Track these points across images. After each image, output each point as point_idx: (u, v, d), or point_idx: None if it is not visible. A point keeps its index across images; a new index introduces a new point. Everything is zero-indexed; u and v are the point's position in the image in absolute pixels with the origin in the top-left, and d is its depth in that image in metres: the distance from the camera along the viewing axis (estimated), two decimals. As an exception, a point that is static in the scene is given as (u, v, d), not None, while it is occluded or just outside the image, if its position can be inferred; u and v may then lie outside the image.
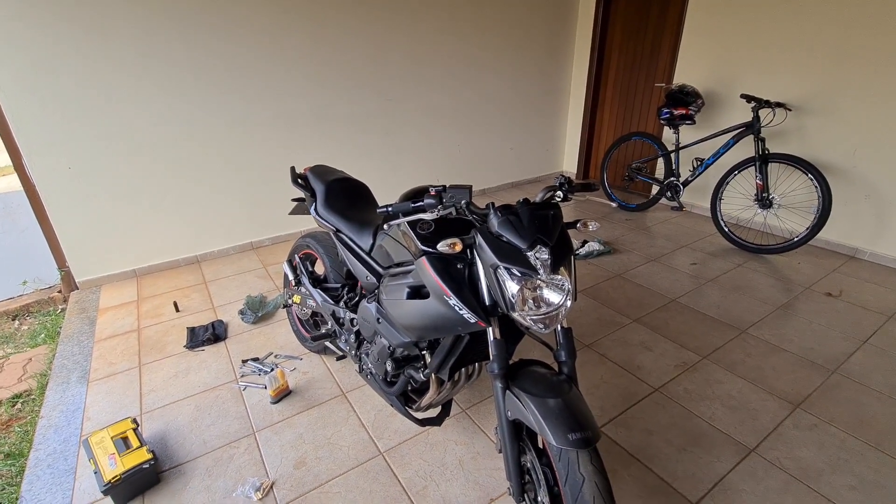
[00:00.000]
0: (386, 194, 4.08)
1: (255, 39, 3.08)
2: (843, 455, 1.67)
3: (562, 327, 1.29)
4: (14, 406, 2.09)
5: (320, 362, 2.24)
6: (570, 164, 5.32)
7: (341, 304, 1.84)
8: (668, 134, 4.13)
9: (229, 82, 3.08)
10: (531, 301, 1.16)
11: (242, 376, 2.17)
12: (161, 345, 2.42)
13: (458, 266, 1.28)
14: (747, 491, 1.55)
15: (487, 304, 1.24)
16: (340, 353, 1.92)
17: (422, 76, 3.91)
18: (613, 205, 1.53)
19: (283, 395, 2.01)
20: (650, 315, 2.58)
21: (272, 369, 2.17)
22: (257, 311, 2.62)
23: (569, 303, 1.18)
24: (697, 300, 2.72)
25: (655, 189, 4.14)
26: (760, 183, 3.23)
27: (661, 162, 4.03)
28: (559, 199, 1.35)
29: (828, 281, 2.93)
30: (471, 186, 1.25)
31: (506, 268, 1.14)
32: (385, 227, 1.60)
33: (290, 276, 2.10)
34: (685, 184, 3.73)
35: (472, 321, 1.23)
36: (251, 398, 2.03)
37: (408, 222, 1.42)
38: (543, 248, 1.14)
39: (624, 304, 2.70)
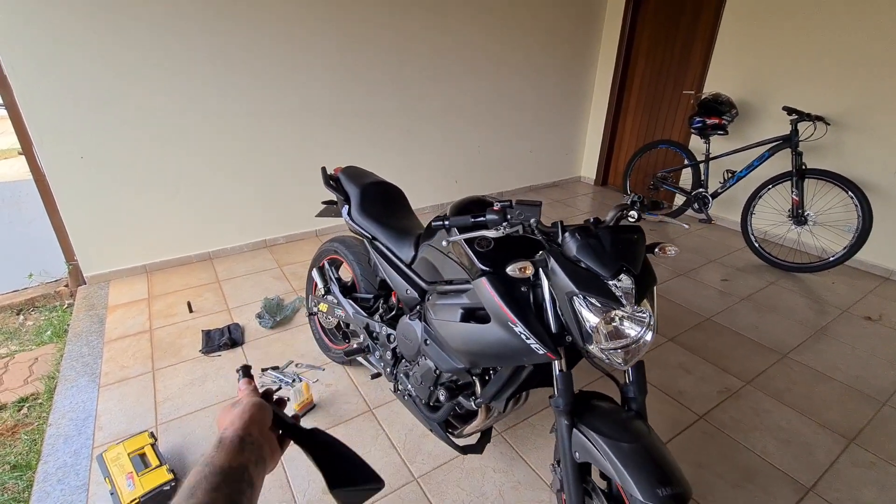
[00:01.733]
0: (410, 194, 3.96)
1: (276, 27, 2.95)
2: (908, 499, 1.57)
3: (635, 359, 1.18)
4: (20, 411, 1.98)
5: (344, 374, 2.13)
6: (588, 170, 5.21)
7: (376, 317, 1.72)
8: (695, 143, 4.02)
9: (249, 71, 2.96)
10: (608, 334, 1.05)
11: (262, 387, 2.05)
12: (175, 348, 2.30)
13: (523, 289, 1.17)
14: (811, 536, 1.45)
15: (554, 332, 1.13)
16: (375, 371, 1.80)
17: (445, 73, 3.79)
18: (686, 226, 1.41)
19: (307, 409, 1.90)
20: (686, 334, 2.48)
21: (294, 380, 2.06)
22: (275, 315, 2.50)
23: (650, 336, 1.07)
24: (733, 319, 2.62)
25: (680, 200, 4.03)
26: (797, 199, 3.12)
27: (686, 172, 3.92)
28: (633, 220, 1.23)
29: (865, 303, 2.83)
30: (540, 203, 1.14)
31: (584, 297, 1.03)
32: (430, 238, 1.48)
33: (320, 283, 1.98)
34: (714, 195, 3.62)
35: (541, 352, 1.11)
36: (273, 411, 1.91)
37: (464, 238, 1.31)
38: (628, 277, 1.03)
39: (659, 321, 2.59)
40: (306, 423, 1.77)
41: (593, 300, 1.03)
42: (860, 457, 1.74)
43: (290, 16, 2.97)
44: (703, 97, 3.54)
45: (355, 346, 1.83)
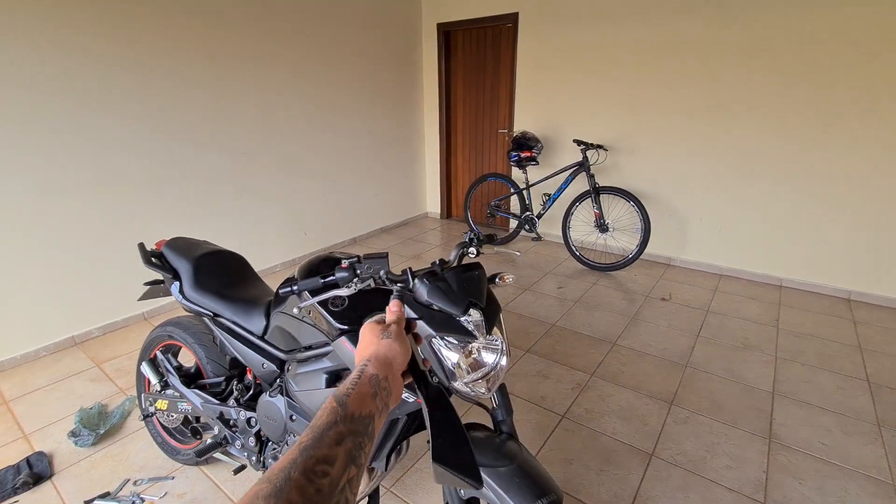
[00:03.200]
0: (247, 255, 3.67)
1: (63, 89, 2.53)
2: (714, 439, 1.98)
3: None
4: None
5: (200, 476, 1.83)
6: (433, 205, 5.55)
7: (231, 401, 1.54)
8: (517, 173, 4.62)
9: (28, 139, 2.46)
10: (469, 367, 1.12)
11: (88, 524, 1.64)
12: (-60, 511, 1.70)
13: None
14: (659, 496, 1.71)
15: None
16: (239, 465, 1.59)
17: (275, 127, 3.69)
18: (518, 253, 1.61)
19: (156, 534, 1.57)
20: (539, 343, 2.76)
21: (133, 503, 1.70)
22: (97, 428, 2.04)
23: (505, 360, 1.17)
24: (571, 321, 3.02)
25: (514, 223, 4.55)
26: (597, 212, 3.80)
27: (515, 199, 4.47)
28: (472, 256, 1.36)
29: (658, 288, 3.54)
30: (387, 254, 1.18)
31: (442, 337, 1.09)
32: (281, 305, 1.40)
33: (154, 379, 1.69)
34: (539, 216, 4.18)
35: (411, 400, 1.13)
36: (108, 551, 1.54)
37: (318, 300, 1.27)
38: (476, 311, 1.12)
39: (513, 336, 2.85)
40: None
41: (451, 338, 1.09)
42: (679, 415, 2.14)
43: (82, 75, 2.58)
44: (515, 135, 4.11)
45: (209, 441, 1.60)
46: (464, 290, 1.14)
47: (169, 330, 1.77)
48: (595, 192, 3.76)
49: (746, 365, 2.52)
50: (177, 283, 1.62)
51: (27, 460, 1.90)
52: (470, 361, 1.13)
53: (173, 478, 1.83)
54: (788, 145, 3.29)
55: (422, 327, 1.10)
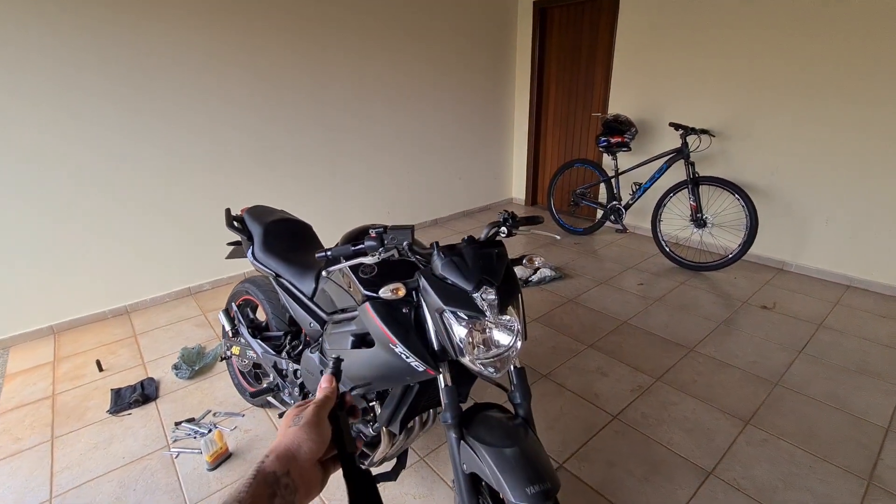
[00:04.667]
0: (336, 230, 3.97)
1: (185, 71, 2.95)
2: (794, 469, 1.71)
3: (515, 368, 1.25)
4: None
5: (265, 418, 2.07)
6: (518, 191, 5.44)
7: (283, 354, 1.71)
8: (607, 160, 4.32)
9: (157, 117, 2.92)
10: (480, 345, 1.11)
11: (175, 441, 1.95)
12: (80, 412, 2.15)
13: (404, 311, 1.22)
14: (710, 517, 1.54)
15: (437, 349, 1.17)
16: (284, 409, 1.77)
17: (366, 109, 3.90)
18: (558, 237, 1.55)
19: (222, 459, 1.82)
20: (604, 339, 2.60)
21: (210, 430, 1.98)
22: (194, 365, 2.40)
23: (519, 344, 1.14)
24: (647, 321, 2.79)
25: (600, 213, 4.29)
26: (694, 204, 3.41)
27: (603, 187, 4.20)
28: (503, 235, 1.32)
29: (762, 294, 3.09)
30: (412, 227, 1.20)
31: (452, 311, 1.09)
32: (326, 270, 1.51)
33: (227, 326, 1.94)
34: (627, 207, 3.89)
35: (421, 369, 1.16)
36: (185, 466, 1.82)
37: (349, 266, 1.35)
38: (490, 289, 1.10)
39: (578, 329, 2.72)
40: (222, 474, 1.70)
41: (460, 313, 1.09)
42: (755, 436, 1.88)
43: (202, 58, 2.98)
44: (606, 118, 3.84)
45: (265, 385, 1.79)
46: (478, 266, 1.12)
47: (246, 286, 2.01)
48: (694, 182, 3.38)
49: (858, 393, 2.11)
50: (251, 245, 1.82)
51: (141, 383, 2.30)
52: (482, 339, 1.12)
53: (243, 415, 2.09)
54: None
55: (433, 300, 1.11)
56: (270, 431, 1.98)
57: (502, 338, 1.13)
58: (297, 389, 1.64)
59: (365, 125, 3.93)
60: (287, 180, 3.60)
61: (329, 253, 1.25)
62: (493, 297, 1.09)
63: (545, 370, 2.35)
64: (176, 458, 1.87)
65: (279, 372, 1.73)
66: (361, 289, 1.29)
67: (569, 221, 4.45)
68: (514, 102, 5.11)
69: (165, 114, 2.94)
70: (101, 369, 2.47)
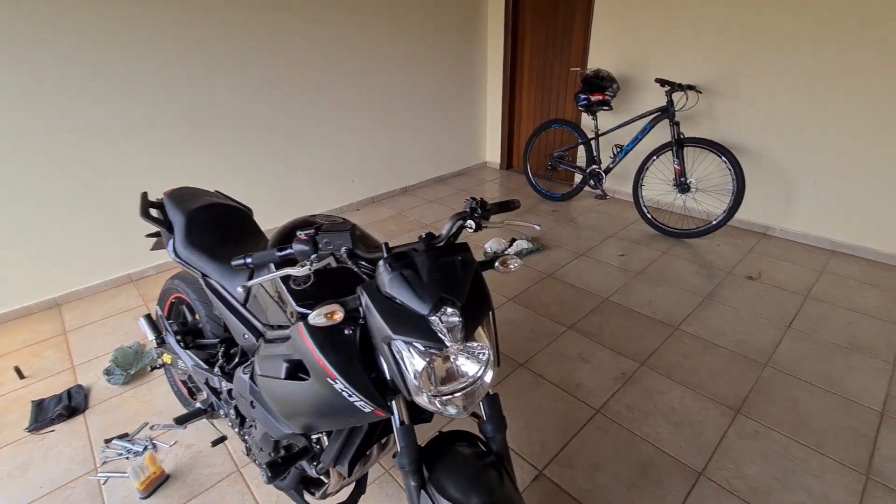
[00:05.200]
0: (294, 207, 3.63)
1: (107, 27, 2.48)
2: (789, 465, 1.59)
3: (487, 394, 1.03)
4: None
5: (210, 429, 1.83)
6: (493, 155, 5.13)
7: (216, 369, 1.45)
8: (587, 120, 4.04)
9: (78, 79, 2.47)
10: (439, 378, 0.88)
11: (104, 463, 1.71)
12: (-7, 431, 1.87)
13: (347, 332, 0.96)
14: (702, 527, 1.41)
15: (390, 378, 0.94)
16: (218, 436, 1.52)
17: (325, 68, 3.47)
18: (538, 227, 1.29)
19: (157, 484, 1.59)
20: (584, 320, 2.43)
21: (146, 448, 1.73)
22: (130, 368, 2.13)
23: (489, 376, 0.91)
24: (629, 297, 2.62)
25: (579, 178, 4.05)
26: (678, 168, 3.20)
27: (582, 149, 3.94)
28: (471, 230, 1.07)
29: (746, 263, 2.96)
30: (352, 227, 0.93)
31: (404, 341, 0.85)
32: (243, 286, 1.23)
33: (150, 335, 1.65)
34: (607, 171, 3.65)
35: (367, 410, 0.92)
36: (115, 494, 1.59)
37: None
38: (452, 310, 0.85)
39: (557, 308, 2.53)
40: (157, 502, 1.46)
41: (414, 344, 0.84)
42: (746, 427, 1.75)
43: (125, 13, 2.50)
44: (586, 74, 3.53)
45: (197, 405, 1.54)
46: (436, 280, 0.87)
47: (176, 283, 1.71)
48: (678, 143, 3.15)
49: (850, 372, 2.01)
50: (172, 238, 1.52)
51: (68, 392, 2.02)
52: (441, 372, 0.88)
53: (185, 427, 1.85)
54: (962, 86, 2.44)
55: (378, 325, 0.86)
56: (218, 447, 1.75)
57: (469, 368, 0.90)
58: (233, 412, 1.39)
59: (324, 87, 3.51)
60: (235, 149, 3.20)
61: (249, 260, 0.98)
62: (457, 319, 0.85)
63: (523, 358, 2.17)
64: (104, 483, 1.63)
65: (213, 390, 1.48)
66: (293, 304, 1.03)
67: (546, 187, 4.20)
68: (486, 59, 4.70)
69: (84, 77, 2.48)
70: (21, 376, 2.16)
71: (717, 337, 2.26)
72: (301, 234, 0.93)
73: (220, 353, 1.47)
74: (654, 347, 2.20)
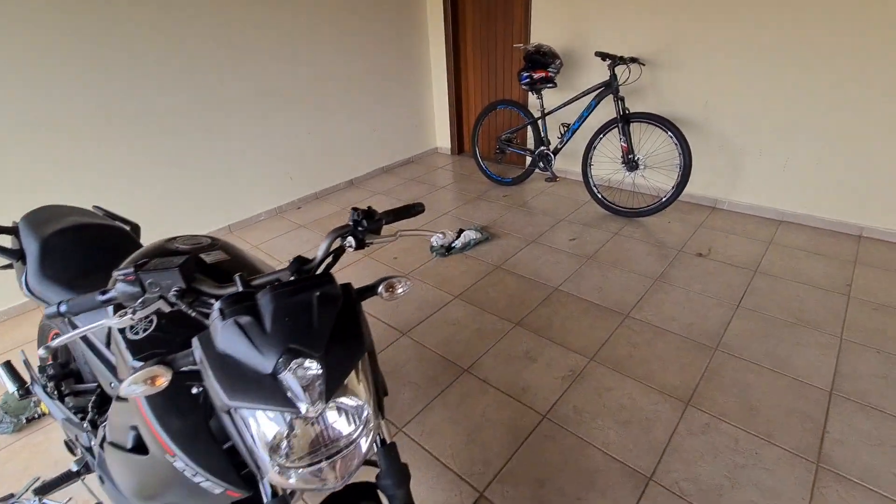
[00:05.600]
0: (229, 209, 3.34)
1: (-48, 20, 2.12)
2: (738, 459, 1.51)
3: (382, 443, 0.87)
4: None
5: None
6: (443, 140, 4.92)
7: (87, 423, 1.23)
8: (534, 99, 3.88)
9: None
10: (303, 448, 0.70)
11: (-19, 534, 1.47)
12: None
13: (195, 391, 0.77)
14: (651, 541, 1.31)
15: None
16: (97, 502, 1.32)
17: (241, 58, 3.15)
18: (441, 235, 1.11)
19: (40, 556, 1.37)
20: (533, 314, 2.30)
21: (31, 511, 1.50)
22: (21, 414, 1.86)
23: (364, 444, 0.74)
24: (579, 285, 2.51)
25: (529, 160, 3.90)
26: (625, 145, 3.09)
27: (530, 130, 3.78)
28: (351, 249, 0.88)
29: (696, 239, 2.90)
30: (180, 264, 0.73)
31: (248, 409, 0.67)
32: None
33: (10, 386, 1.39)
34: (556, 152, 3.52)
35: (218, 492, 0.74)
36: (-11, 572, 1.36)
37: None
38: (308, 361, 0.67)
39: (505, 303, 2.40)
40: None
41: (261, 411, 0.66)
42: (696, 421, 1.67)
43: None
44: (527, 50, 3.35)
45: (72, 466, 1.32)
46: (283, 328, 0.68)
47: (54, 322, 1.46)
48: (624, 119, 3.03)
49: (798, 350, 1.96)
50: (25, 271, 1.27)
51: (-54, 449, 1.75)
52: (306, 438, 0.71)
53: (84, 478, 1.62)
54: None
55: (214, 389, 0.68)
56: (119, 497, 1.54)
57: (342, 426, 0.73)
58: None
59: (245, 76, 3.20)
60: (146, 154, 2.88)
61: (64, 308, 0.77)
62: (314, 373, 0.67)
63: (467, 362, 2.02)
64: (-21, 560, 1.39)
65: (86, 447, 1.26)
66: (129, 358, 0.83)
67: (497, 171, 4.04)
68: (426, 38, 4.45)
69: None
70: None
71: (668, 322, 2.18)
72: (118, 275, 0.73)
73: (90, 404, 1.25)
74: (604, 339, 2.10)
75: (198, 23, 2.88)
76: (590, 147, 3.21)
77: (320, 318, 0.70)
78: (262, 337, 0.66)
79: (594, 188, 3.28)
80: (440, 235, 1.02)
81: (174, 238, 1.04)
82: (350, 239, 0.87)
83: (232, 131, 3.25)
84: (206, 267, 0.96)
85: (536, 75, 3.30)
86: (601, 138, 3.16)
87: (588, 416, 1.71)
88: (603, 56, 2.98)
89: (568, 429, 1.67)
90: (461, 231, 3.08)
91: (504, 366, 1.99)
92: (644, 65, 3.20)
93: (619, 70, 3.18)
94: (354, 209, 0.89)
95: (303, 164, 3.80)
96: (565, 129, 3.42)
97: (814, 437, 1.57)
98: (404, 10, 4.15)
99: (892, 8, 2.33)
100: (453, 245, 2.96)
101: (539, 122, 3.54)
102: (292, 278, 0.80)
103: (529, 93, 3.87)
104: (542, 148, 3.55)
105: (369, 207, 0.92)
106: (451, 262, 2.83)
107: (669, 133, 2.87)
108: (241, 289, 0.76)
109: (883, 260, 2.54)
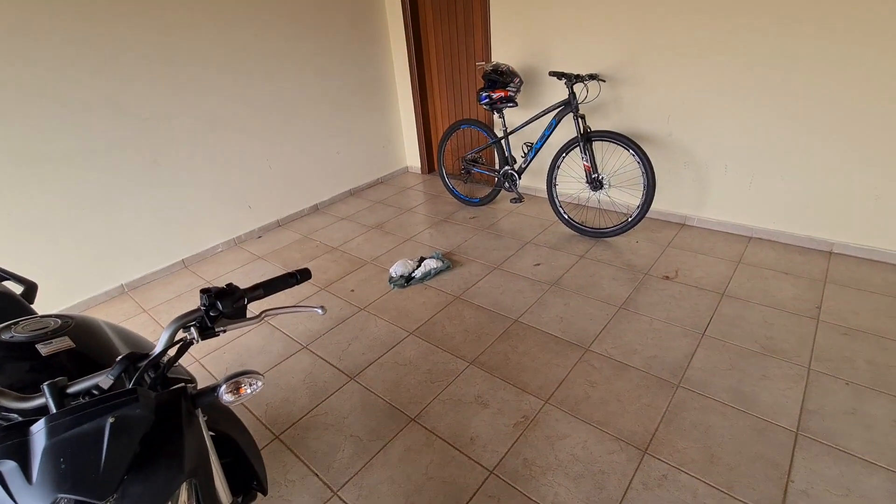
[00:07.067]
0: (183, 242, 3.19)
1: None
2: (697, 518, 1.39)
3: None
4: None
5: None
6: (413, 159, 4.83)
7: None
8: (498, 119, 3.79)
9: None
10: None
11: None
12: None
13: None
14: None
15: None
16: None
17: (187, 82, 3.04)
18: (320, 311, 0.93)
19: None
20: (489, 350, 2.18)
21: None
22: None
23: None
24: (540, 315, 2.39)
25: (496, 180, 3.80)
26: (587, 164, 2.99)
27: (496, 150, 3.69)
28: (196, 341, 0.76)
29: (664, 260, 2.80)
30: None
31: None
32: None
33: None
34: (520, 172, 3.42)
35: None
36: None
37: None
38: (91, 510, 0.54)
39: (461, 339, 2.27)
40: None
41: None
42: (653, 471, 1.54)
43: None
44: (485, 69, 3.26)
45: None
46: (52, 476, 0.55)
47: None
48: (585, 138, 2.94)
49: (764, 384, 1.84)
50: None
51: None
52: None
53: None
54: (868, 62, 2.32)
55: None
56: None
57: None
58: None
59: (191, 103, 3.08)
60: (89, 192, 2.74)
61: None
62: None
63: (415, 410, 1.89)
64: None
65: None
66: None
67: (465, 191, 3.94)
68: (390, 57, 4.37)
69: None
70: None
71: (629, 356, 2.06)
72: None
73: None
74: (562, 377, 1.97)
75: (138, 57, 2.77)
76: (553, 167, 3.12)
77: (112, 451, 0.57)
78: (25, 490, 0.53)
79: (560, 209, 3.18)
80: (319, 310, 0.89)
81: (15, 322, 0.90)
82: (192, 331, 0.74)
83: (181, 160, 3.12)
84: (42, 360, 0.83)
85: (496, 95, 3.21)
86: (563, 157, 3.07)
87: (538, 471, 1.58)
88: (558, 75, 2.90)
89: (516, 486, 1.54)
90: (422, 259, 2.96)
91: (453, 412, 1.85)
92: (604, 81, 3.12)
93: (577, 88, 3.11)
94: (204, 291, 0.77)
95: (262, 192, 3.67)
96: (528, 148, 3.33)
97: (777, 489, 1.44)
98: (364, 28, 4.07)
99: (855, 23, 2.26)
100: (413, 275, 2.84)
101: (502, 141, 3.45)
102: (111, 383, 0.67)
103: (491, 112, 3.79)
104: (507, 168, 3.45)
105: (228, 285, 0.79)
106: (410, 293, 2.70)
107: (631, 151, 2.78)
108: (49, 401, 0.63)
109: (853, 278, 2.44)
